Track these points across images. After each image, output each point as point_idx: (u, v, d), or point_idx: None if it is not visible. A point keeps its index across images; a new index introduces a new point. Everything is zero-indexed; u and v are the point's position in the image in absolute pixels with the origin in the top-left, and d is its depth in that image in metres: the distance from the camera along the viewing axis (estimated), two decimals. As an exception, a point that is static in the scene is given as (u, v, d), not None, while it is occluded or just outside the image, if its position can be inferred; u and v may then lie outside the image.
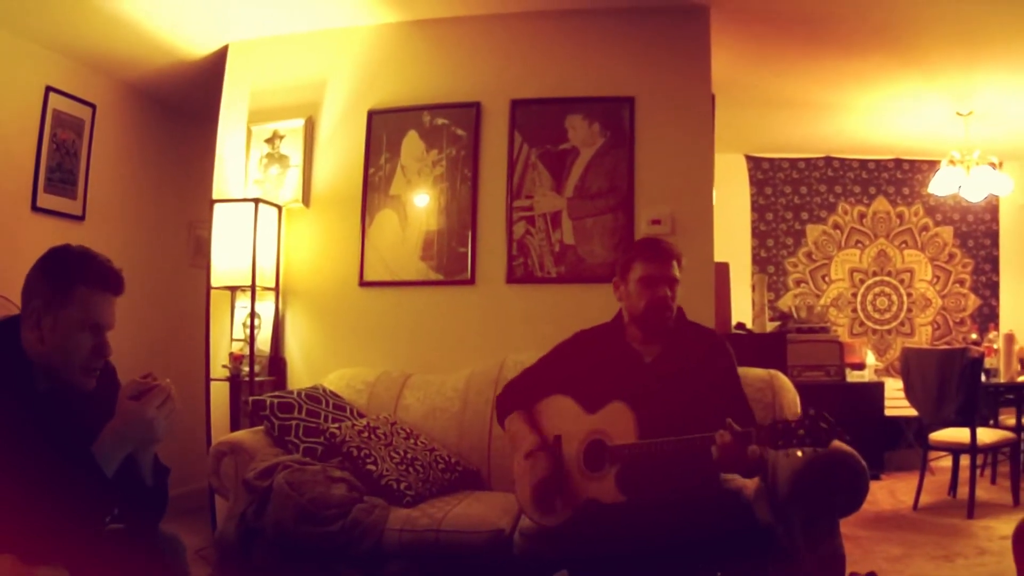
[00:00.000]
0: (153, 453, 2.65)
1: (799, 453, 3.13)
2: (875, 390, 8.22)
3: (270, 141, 5.91)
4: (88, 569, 2.38)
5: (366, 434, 4.40)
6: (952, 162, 7.85)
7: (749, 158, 9.72)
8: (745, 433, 3.13)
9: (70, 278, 2.49)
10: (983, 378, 6.82)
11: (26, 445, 2.31)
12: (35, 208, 5.85)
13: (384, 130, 5.79)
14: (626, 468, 3.42)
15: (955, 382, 6.53)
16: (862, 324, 9.63)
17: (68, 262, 2.53)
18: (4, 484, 2.24)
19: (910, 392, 7.18)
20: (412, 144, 5.73)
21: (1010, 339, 7.34)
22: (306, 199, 5.84)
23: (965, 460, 6.82)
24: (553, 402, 3.78)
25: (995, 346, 7.68)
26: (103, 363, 2.61)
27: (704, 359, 3.72)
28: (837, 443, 3.09)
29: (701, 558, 3.12)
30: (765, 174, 9.74)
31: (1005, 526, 5.75)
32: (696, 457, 3.32)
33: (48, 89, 5.92)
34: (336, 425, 4.45)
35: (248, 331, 5.48)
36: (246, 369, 5.43)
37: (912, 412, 7.50)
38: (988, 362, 7.33)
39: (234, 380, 5.44)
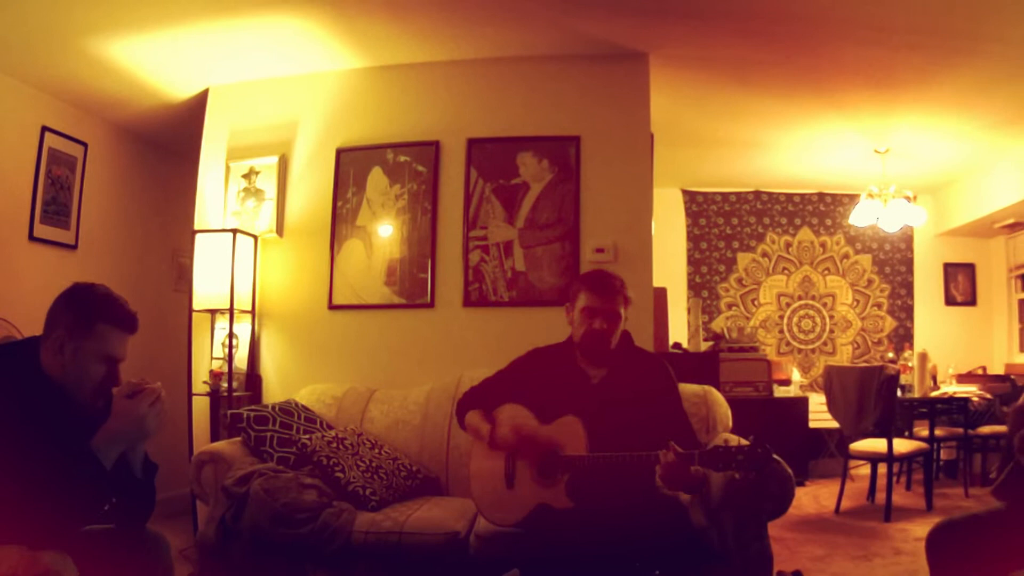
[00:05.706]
0: (143, 450, 2.71)
1: (736, 476, 3.17)
2: (800, 404, 8.24)
3: (247, 176, 5.92)
4: (88, 555, 2.44)
5: (335, 444, 4.41)
6: (871, 195, 7.95)
7: (685, 192, 9.78)
8: (688, 455, 3.16)
9: (93, 315, 2.59)
10: (899, 393, 6.90)
11: (34, 446, 2.36)
12: (32, 238, 5.85)
13: (351, 166, 5.82)
14: (576, 477, 3.45)
15: (873, 397, 6.60)
16: (788, 344, 9.70)
17: (93, 301, 2.63)
18: (13, 480, 2.29)
19: (832, 406, 7.25)
20: (377, 179, 5.76)
21: (923, 358, 7.45)
22: (280, 230, 5.86)
23: (882, 468, 6.92)
24: (509, 409, 3.75)
25: (910, 364, 7.78)
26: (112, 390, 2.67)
27: (647, 383, 3.72)
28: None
29: (641, 559, 3.15)
30: (700, 206, 9.80)
31: (919, 529, 5.81)
32: (641, 472, 3.35)
33: (44, 129, 5.93)
34: (307, 436, 4.46)
35: (227, 350, 5.49)
36: (225, 385, 5.43)
37: (834, 424, 7.59)
38: (903, 379, 7.44)
39: (214, 395, 5.44)
